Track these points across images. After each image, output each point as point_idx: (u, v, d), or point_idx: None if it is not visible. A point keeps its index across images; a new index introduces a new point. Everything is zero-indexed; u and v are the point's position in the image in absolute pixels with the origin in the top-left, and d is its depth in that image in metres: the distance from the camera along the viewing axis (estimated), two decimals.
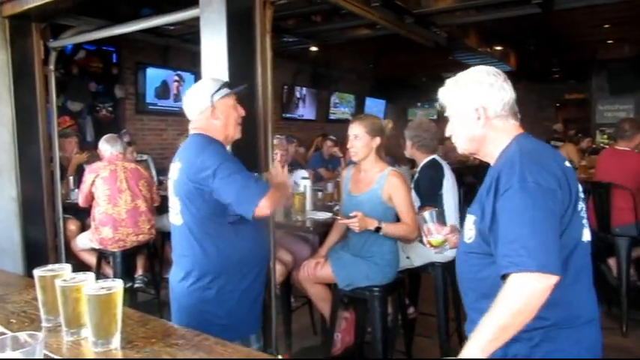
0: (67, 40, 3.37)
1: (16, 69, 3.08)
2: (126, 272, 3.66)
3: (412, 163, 3.62)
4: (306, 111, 9.53)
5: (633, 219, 3.53)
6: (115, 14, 3.23)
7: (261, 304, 2.00)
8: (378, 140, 2.53)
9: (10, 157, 3.08)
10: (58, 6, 2.88)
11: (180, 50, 6.57)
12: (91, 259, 3.79)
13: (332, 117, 10.29)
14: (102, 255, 3.73)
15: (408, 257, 2.87)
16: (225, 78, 2.15)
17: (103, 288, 1.19)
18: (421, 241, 2.83)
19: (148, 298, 4.02)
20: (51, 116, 3.39)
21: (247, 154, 2.19)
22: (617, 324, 3.54)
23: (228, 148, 2.02)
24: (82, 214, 3.99)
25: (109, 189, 3.52)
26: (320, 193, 4.05)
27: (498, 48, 7.44)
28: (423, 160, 3.00)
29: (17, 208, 3.11)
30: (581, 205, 1.32)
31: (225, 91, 1.93)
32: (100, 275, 3.68)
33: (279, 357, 1.03)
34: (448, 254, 2.86)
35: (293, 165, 4.51)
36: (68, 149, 4.63)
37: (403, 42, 5.64)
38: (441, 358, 1.39)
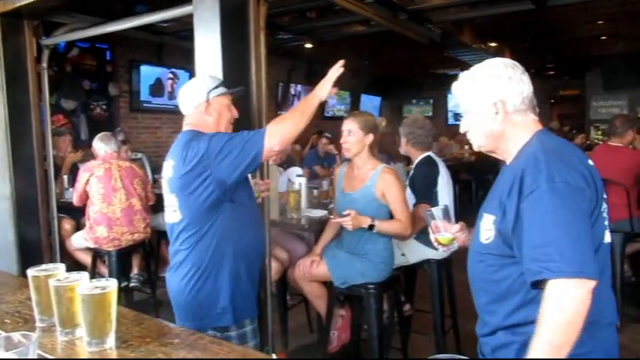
0: (60, 38, 3.35)
1: (8, 67, 3.05)
2: (121, 271, 3.65)
3: (407, 160, 3.62)
4: None
5: (627, 215, 3.54)
6: (109, 11, 3.20)
7: (256, 291, 2.01)
8: (371, 137, 2.53)
9: (3, 156, 3.06)
10: (51, 3, 2.86)
11: (174, 48, 6.54)
12: (86, 259, 3.78)
13: (327, 114, 10.28)
14: (97, 254, 3.72)
15: (403, 254, 2.88)
16: (220, 75, 2.14)
17: (97, 287, 1.18)
18: (417, 239, 2.87)
19: (143, 297, 4.01)
20: (44, 114, 3.37)
21: None
22: None
23: None
24: (77, 214, 3.97)
25: (103, 188, 3.50)
26: (315, 191, 4.05)
27: (493, 44, 7.44)
28: (418, 157, 3.00)
29: (11, 206, 3.09)
30: (604, 206, 1.27)
31: (222, 89, 1.95)
32: (95, 274, 3.67)
33: (274, 356, 1.02)
34: (443, 251, 2.89)
35: (288, 163, 4.51)
36: (62, 148, 4.60)
37: (398, 39, 5.64)
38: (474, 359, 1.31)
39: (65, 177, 4.40)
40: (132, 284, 3.94)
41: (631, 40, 7.65)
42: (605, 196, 1.28)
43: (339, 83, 1.94)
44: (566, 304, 1.10)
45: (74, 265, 3.71)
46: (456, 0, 4.87)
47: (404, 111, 12.44)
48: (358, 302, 2.83)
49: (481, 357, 1.41)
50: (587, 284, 1.11)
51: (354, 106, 10.71)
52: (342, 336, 2.87)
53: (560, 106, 11.87)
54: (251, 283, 1.97)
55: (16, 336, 1.01)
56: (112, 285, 1.20)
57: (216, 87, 1.93)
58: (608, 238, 1.28)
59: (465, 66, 8.63)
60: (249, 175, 2.00)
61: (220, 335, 1.80)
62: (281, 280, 3.20)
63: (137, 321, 1.35)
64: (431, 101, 12.61)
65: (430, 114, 11.93)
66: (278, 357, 0.85)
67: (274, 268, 2.88)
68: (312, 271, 2.68)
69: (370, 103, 11.31)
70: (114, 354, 1.16)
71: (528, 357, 1.14)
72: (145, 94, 6.56)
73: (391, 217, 2.51)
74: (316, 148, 6.71)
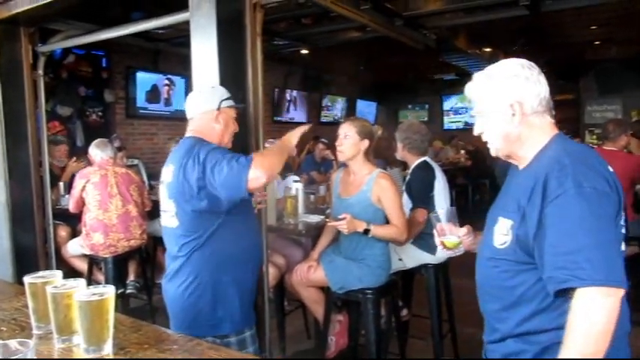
0: (56, 45, 3.35)
1: (4, 74, 3.06)
2: (117, 278, 3.63)
3: (404, 165, 3.63)
4: (297, 114, 9.53)
5: None
6: (105, 18, 3.21)
7: (254, 301, 2.01)
8: (366, 143, 2.54)
9: None
10: (47, 10, 2.86)
11: (170, 54, 6.55)
12: (82, 266, 3.76)
13: (324, 120, 10.30)
14: (93, 261, 3.70)
15: (400, 259, 2.88)
16: (216, 81, 2.15)
17: (94, 294, 1.18)
18: (414, 244, 2.87)
19: (140, 304, 4.00)
20: (40, 121, 3.37)
21: None
22: None
23: None
24: (73, 220, 3.96)
25: (99, 194, 3.50)
26: (312, 196, 4.05)
27: (487, 49, 7.50)
28: (414, 162, 3.01)
29: (6, 213, 3.08)
30: (623, 216, 1.23)
31: (231, 102, 1.99)
32: (91, 281, 3.65)
33: None
34: (440, 256, 2.89)
35: (285, 169, 4.50)
36: (57, 156, 4.60)
37: (393, 44, 5.67)
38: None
39: (61, 184, 4.39)
40: (128, 291, 3.92)
41: (625, 45, 7.72)
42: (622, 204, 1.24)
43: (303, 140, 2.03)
44: (596, 314, 1.07)
45: (70, 272, 3.69)
46: (451, 6, 4.90)
47: (400, 116, 12.46)
48: (356, 307, 2.83)
49: None
50: (618, 293, 1.08)
51: (350, 112, 10.73)
52: (339, 341, 2.86)
53: (554, 110, 11.90)
54: (249, 292, 1.97)
55: (13, 343, 1.00)
56: (109, 292, 1.19)
57: (228, 98, 1.97)
58: (623, 247, 1.23)
59: (460, 71, 8.71)
60: None
61: (220, 342, 1.80)
62: (278, 286, 3.20)
63: (134, 327, 1.34)
64: (426, 106, 12.64)
65: (426, 119, 11.95)
66: None
67: (271, 274, 2.88)
68: (310, 276, 2.67)
69: (366, 108, 11.34)
70: None
71: None
72: (141, 101, 6.56)
73: (387, 222, 2.51)
74: (313, 154, 6.71)
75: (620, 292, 1.09)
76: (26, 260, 3.10)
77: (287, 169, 4.53)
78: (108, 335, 1.18)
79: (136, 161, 5.25)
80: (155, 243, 4.24)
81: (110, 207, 3.50)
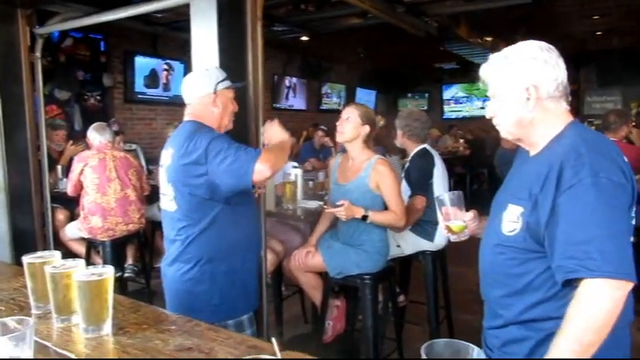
0: (54, 27, 3.32)
1: (1, 56, 3.03)
2: (115, 262, 3.64)
3: (403, 153, 3.63)
4: (296, 101, 9.49)
5: None
6: (103, 0, 3.18)
7: (254, 287, 2.01)
8: (367, 129, 2.53)
9: None
10: None
11: (169, 38, 6.50)
12: (80, 249, 3.77)
13: (323, 107, 10.27)
14: (91, 244, 3.71)
15: (398, 245, 2.89)
16: (217, 65, 2.13)
17: (93, 274, 1.18)
18: (412, 230, 2.88)
19: (137, 288, 4.01)
20: (38, 104, 3.34)
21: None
22: None
23: None
24: (71, 204, 3.96)
25: (98, 178, 3.49)
26: (311, 183, 4.05)
27: (489, 39, 7.45)
28: (414, 149, 3.01)
29: (4, 197, 3.07)
30: (635, 207, 1.20)
31: (228, 83, 1.96)
32: (89, 265, 3.65)
33: (273, 340, 1.02)
34: (438, 243, 2.90)
35: None
36: (55, 140, 4.59)
37: (394, 32, 5.64)
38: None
39: (59, 167, 4.38)
40: (126, 275, 3.93)
41: (626, 36, 7.68)
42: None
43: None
44: (601, 305, 1.06)
45: (68, 255, 3.63)
46: None
47: (399, 104, 12.42)
48: (353, 293, 2.85)
49: (485, 348, 1.38)
50: (626, 286, 1.07)
51: (350, 99, 10.69)
52: (337, 326, 2.88)
53: None
54: (248, 280, 1.97)
55: (12, 322, 1.01)
56: (108, 272, 1.20)
57: (224, 80, 1.94)
58: (632, 238, 1.20)
59: (461, 60, 8.67)
60: None
61: (218, 323, 1.81)
62: (276, 271, 3.21)
63: (133, 308, 1.35)
64: (426, 95, 12.61)
65: (425, 107, 11.93)
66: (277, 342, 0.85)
67: (269, 260, 2.89)
68: (308, 261, 2.68)
69: (366, 96, 11.29)
70: (110, 340, 1.16)
71: (552, 353, 1.11)
72: (139, 86, 6.52)
73: (386, 208, 2.52)
74: (312, 141, 6.70)
75: (629, 286, 1.08)
76: (24, 244, 3.09)
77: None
78: (107, 315, 1.18)
79: (134, 146, 5.23)
80: (153, 227, 4.24)
81: (108, 191, 3.50)
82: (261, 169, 1.70)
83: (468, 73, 9.85)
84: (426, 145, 3.02)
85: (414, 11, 5.21)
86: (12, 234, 3.10)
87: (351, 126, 2.51)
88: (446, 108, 12.31)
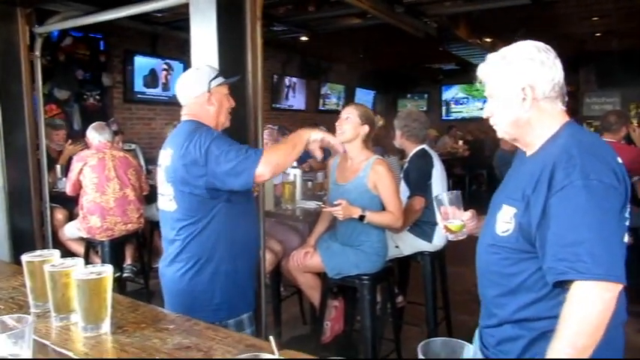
0: (53, 26, 3.32)
1: (0, 55, 3.03)
2: (114, 261, 3.63)
3: (401, 153, 3.63)
4: (295, 101, 9.49)
5: None
6: (102, 0, 3.18)
7: (252, 286, 2.02)
8: (366, 128, 2.53)
9: None
10: None
11: (169, 38, 6.50)
12: (79, 249, 3.77)
13: (323, 108, 10.27)
14: (90, 244, 3.71)
15: (397, 246, 2.89)
16: (216, 65, 2.13)
17: (92, 273, 1.18)
18: (410, 231, 2.88)
19: (136, 288, 4.01)
20: (37, 104, 3.34)
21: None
22: None
23: None
24: (70, 204, 3.95)
25: (97, 177, 3.49)
26: (310, 183, 4.05)
27: (488, 39, 7.46)
28: (413, 149, 3.02)
29: (3, 196, 3.07)
30: (628, 208, 1.21)
31: (221, 79, 1.95)
32: (88, 264, 3.65)
33: (271, 338, 1.02)
34: (436, 244, 2.91)
35: None
36: (55, 140, 4.58)
37: (394, 32, 5.64)
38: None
39: (58, 167, 4.38)
40: (125, 275, 3.93)
41: (625, 37, 7.69)
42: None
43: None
44: (592, 307, 1.07)
45: (67, 255, 3.65)
46: None
47: (398, 105, 12.42)
48: (352, 293, 2.85)
49: (481, 346, 1.39)
50: (616, 288, 1.08)
51: (349, 100, 10.69)
52: (335, 327, 2.88)
53: None
54: (247, 280, 1.97)
55: (11, 320, 1.01)
56: (107, 270, 1.20)
57: (216, 77, 1.93)
58: (626, 238, 1.21)
59: (460, 61, 8.68)
60: None
61: (218, 323, 1.81)
62: (275, 272, 3.21)
63: (132, 307, 1.35)
64: (425, 96, 12.62)
65: (425, 108, 11.94)
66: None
67: (268, 260, 2.89)
68: (306, 262, 2.68)
69: (365, 96, 11.29)
70: (109, 339, 1.16)
71: (549, 354, 1.11)
72: (138, 85, 6.52)
73: (384, 208, 2.52)
74: None
75: (619, 287, 1.09)
76: (23, 243, 3.09)
77: None
78: (106, 314, 1.18)
79: (133, 146, 5.24)
80: (152, 227, 4.24)
81: (107, 190, 3.50)
82: (262, 172, 1.72)
83: (467, 74, 9.81)
84: (424, 146, 3.03)
85: (413, 12, 5.22)
86: (11, 233, 3.09)
87: (350, 126, 2.51)
88: (444, 109, 12.32)
